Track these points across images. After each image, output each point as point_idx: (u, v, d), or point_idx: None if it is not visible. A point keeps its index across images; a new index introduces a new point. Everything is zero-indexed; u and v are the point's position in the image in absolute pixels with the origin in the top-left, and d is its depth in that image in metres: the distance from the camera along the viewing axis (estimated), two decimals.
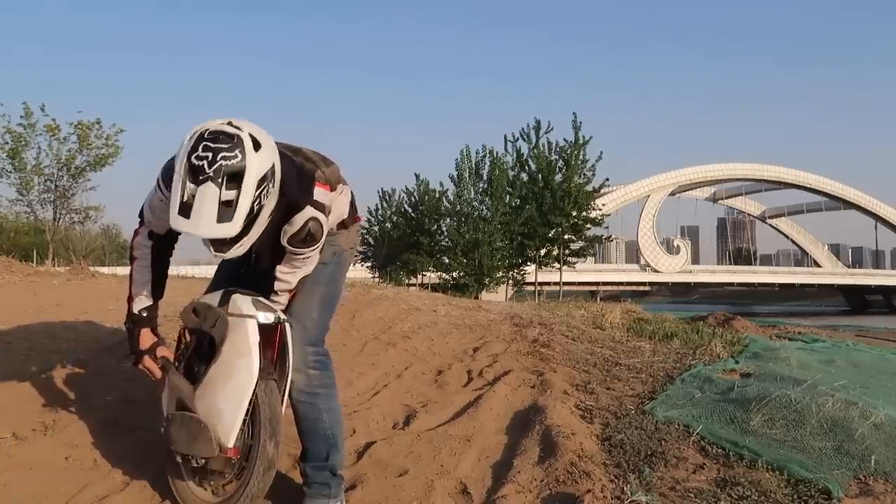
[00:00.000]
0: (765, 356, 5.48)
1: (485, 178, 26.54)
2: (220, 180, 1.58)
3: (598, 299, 18.34)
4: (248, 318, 1.85)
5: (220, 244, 1.70)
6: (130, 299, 2.01)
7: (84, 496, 2.00)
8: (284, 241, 1.88)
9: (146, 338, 1.98)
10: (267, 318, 1.89)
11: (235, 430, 1.80)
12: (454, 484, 2.33)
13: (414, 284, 28.11)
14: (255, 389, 1.82)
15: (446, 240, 27.46)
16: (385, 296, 7.40)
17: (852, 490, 2.33)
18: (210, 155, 1.57)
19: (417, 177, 29.96)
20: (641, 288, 69.87)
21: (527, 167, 27.04)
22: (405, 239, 29.30)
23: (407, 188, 31.18)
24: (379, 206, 33.32)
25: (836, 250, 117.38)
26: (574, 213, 26.15)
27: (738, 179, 77.42)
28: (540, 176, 26.03)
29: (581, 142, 26.30)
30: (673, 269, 66.71)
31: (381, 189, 33.64)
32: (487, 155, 26.70)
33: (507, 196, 26.27)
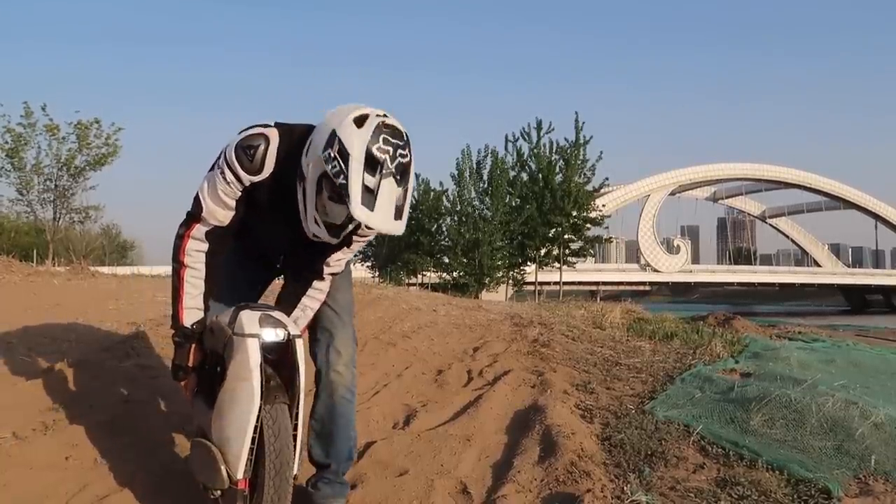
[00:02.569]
0: (765, 356, 5.48)
1: (485, 177, 26.55)
2: (398, 177, 1.56)
3: (599, 299, 18.34)
4: (250, 337, 1.72)
5: (338, 229, 1.67)
6: (180, 311, 1.81)
7: (84, 496, 2.00)
8: None
9: (196, 354, 1.84)
10: (277, 335, 1.76)
11: (242, 461, 1.68)
12: (454, 484, 2.33)
13: (414, 284, 28.10)
14: (259, 416, 1.69)
15: (446, 239, 27.45)
16: (385, 296, 7.41)
17: (852, 490, 2.33)
18: (391, 150, 1.55)
19: (418, 176, 29.97)
20: (641, 288, 69.86)
21: (527, 167, 27.06)
22: (405, 239, 29.28)
23: None
24: None
25: (836, 250, 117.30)
26: (574, 213, 26.16)
27: (738, 179, 77.41)
28: (540, 175, 26.04)
29: (581, 141, 26.33)
30: (673, 268, 66.69)
31: None
32: (489, 155, 26.72)
33: (508, 196, 26.28)
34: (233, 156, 1.71)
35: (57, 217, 17.44)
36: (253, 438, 1.69)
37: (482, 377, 4.09)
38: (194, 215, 1.80)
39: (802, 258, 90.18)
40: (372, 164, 1.53)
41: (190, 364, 1.83)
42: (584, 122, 26.33)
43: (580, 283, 50.71)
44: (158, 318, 3.88)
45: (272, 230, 1.89)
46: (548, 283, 33.57)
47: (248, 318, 1.75)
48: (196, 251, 1.81)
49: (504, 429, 3.03)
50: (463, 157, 26.92)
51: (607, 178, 28.08)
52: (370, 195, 1.53)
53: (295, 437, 1.76)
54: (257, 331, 1.72)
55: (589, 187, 26.64)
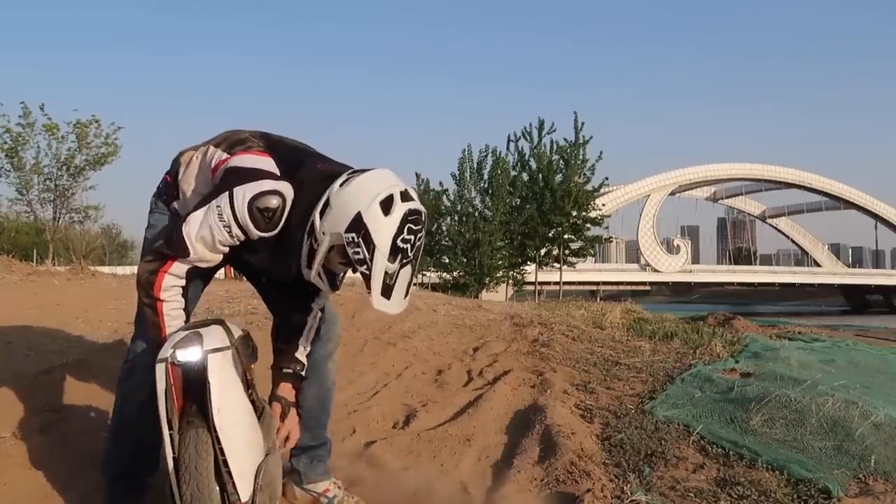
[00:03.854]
0: (765, 356, 5.48)
1: (486, 177, 26.56)
2: (415, 262, 1.63)
3: (599, 299, 18.35)
4: (158, 362, 1.59)
5: (335, 279, 1.74)
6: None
7: (84, 495, 2.00)
8: None
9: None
10: (193, 354, 1.59)
11: (177, 497, 1.57)
12: (454, 484, 2.33)
13: (414, 284, 28.07)
14: (176, 446, 1.57)
15: (446, 239, 27.44)
16: None
17: (852, 490, 2.33)
18: (412, 238, 1.60)
19: (418, 176, 29.95)
20: (641, 288, 69.79)
21: (528, 167, 27.09)
22: None
23: None
24: None
25: (836, 250, 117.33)
26: (574, 213, 26.17)
27: (738, 179, 77.29)
28: (540, 176, 26.06)
29: (581, 141, 26.35)
30: (673, 268, 66.64)
31: None
32: (490, 154, 26.72)
33: (508, 196, 26.29)
34: (246, 214, 1.61)
35: (57, 217, 17.42)
36: (176, 472, 1.57)
37: (482, 377, 4.09)
38: (172, 256, 1.66)
39: (802, 258, 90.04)
40: (394, 253, 1.56)
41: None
42: (583, 123, 26.42)
43: (580, 283, 50.67)
44: None
45: (261, 260, 1.79)
46: (548, 283, 33.56)
47: (168, 342, 1.63)
48: (173, 286, 1.69)
49: (504, 429, 3.03)
50: (464, 157, 26.93)
51: (607, 178, 28.13)
52: (388, 284, 1.58)
53: (225, 462, 1.56)
54: (166, 355, 1.59)
55: (589, 187, 26.65)
